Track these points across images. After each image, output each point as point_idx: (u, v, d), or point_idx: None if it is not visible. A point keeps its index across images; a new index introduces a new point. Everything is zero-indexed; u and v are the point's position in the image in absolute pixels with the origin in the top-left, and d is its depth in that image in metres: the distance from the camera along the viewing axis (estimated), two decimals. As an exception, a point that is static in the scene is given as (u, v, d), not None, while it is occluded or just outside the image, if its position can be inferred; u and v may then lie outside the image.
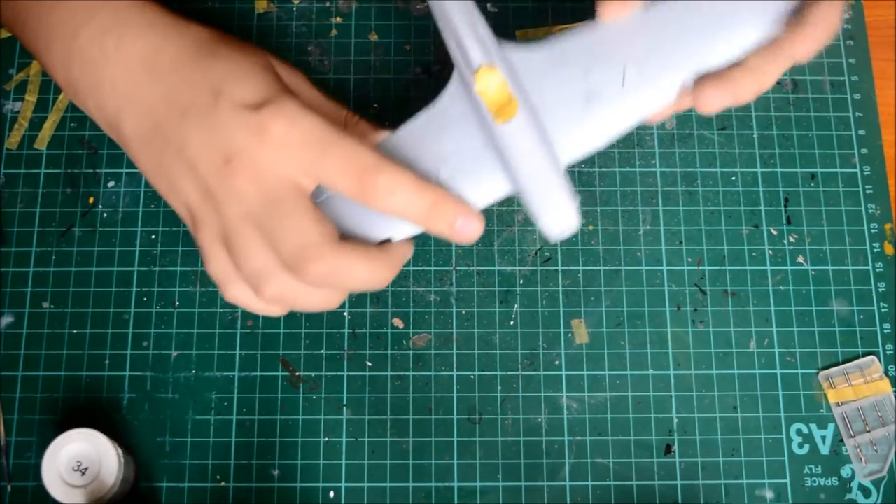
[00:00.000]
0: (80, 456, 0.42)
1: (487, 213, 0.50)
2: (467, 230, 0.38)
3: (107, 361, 0.47)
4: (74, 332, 0.48)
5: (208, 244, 0.39)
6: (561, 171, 0.38)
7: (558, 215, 0.38)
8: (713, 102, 0.38)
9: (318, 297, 0.39)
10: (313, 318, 0.48)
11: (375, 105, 0.52)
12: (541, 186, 0.38)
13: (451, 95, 0.40)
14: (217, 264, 0.39)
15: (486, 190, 0.39)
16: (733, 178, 0.51)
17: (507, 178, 0.39)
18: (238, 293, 0.39)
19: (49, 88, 0.52)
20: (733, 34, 0.38)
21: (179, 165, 0.38)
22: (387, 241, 0.39)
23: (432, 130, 0.40)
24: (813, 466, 0.46)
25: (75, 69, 0.40)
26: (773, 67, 0.39)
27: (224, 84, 0.38)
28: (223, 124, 0.37)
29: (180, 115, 0.38)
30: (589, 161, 0.51)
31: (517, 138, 0.38)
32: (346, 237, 0.38)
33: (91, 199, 0.50)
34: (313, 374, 0.47)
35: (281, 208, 0.37)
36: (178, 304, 0.48)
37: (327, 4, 0.54)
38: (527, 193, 0.38)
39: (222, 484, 0.46)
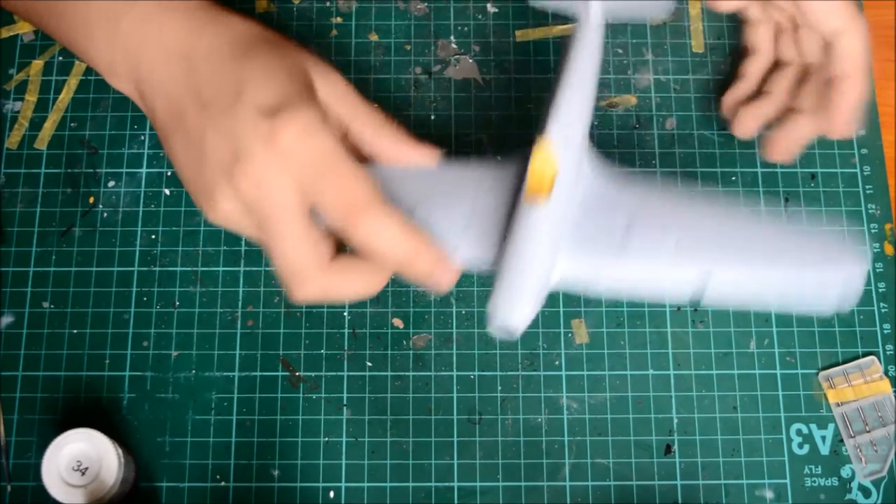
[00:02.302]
0: (80, 456, 0.42)
1: (487, 213, 0.50)
2: (441, 282, 0.39)
3: (107, 361, 0.47)
4: (74, 332, 0.48)
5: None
6: (545, 279, 0.39)
7: (512, 308, 0.38)
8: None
9: (354, 288, 0.40)
10: (313, 318, 0.48)
11: (376, 105, 0.52)
12: (516, 277, 0.38)
13: (508, 165, 0.42)
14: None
15: (476, 255, 0.40)
16: (733, 178, 0.51)
17: (494, 256, 0.39)
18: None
19: (49, 88, 0.52)
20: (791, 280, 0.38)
21: (198, 158, 0.39)
22: None
23: (471, 181, 0.41)
24: (813, 466, 0.46)
25: (118, 54, 0.41)
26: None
27: (247, 85, 0.38)
28: (237, 124, 0.38)
29: (201, 109, 0.39)
30: (589, 161, 0.51)
31: (532, 223, 0.39)
32: (340, 255, 0.40)
33: (91, 199, 0.50)
34: (313, 374, 0.47)
35: (275, 222, 0.38)
36: (178, 304, 0.48)
37: (327, 4, 0.54)
38: (502, 270, 0.39)
39: (222, 484, 0.46)
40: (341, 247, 0.40)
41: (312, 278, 0.38)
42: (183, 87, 0.40)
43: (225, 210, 0.39)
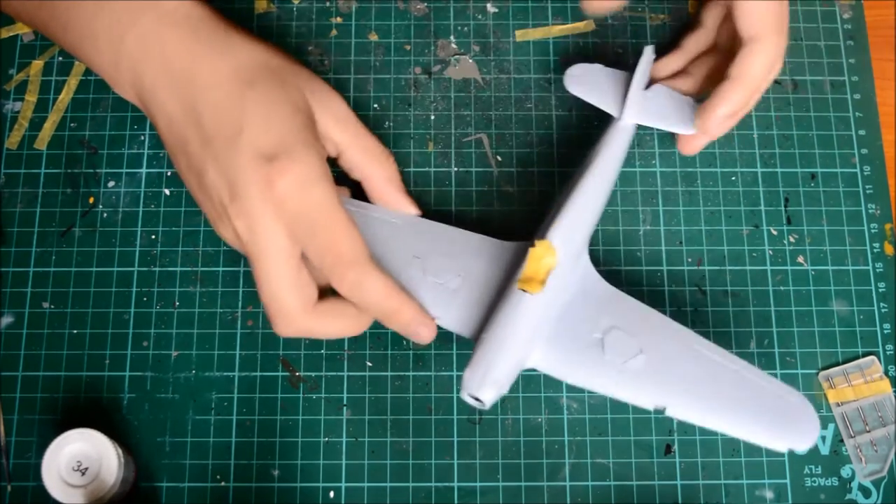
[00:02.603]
0: (80, 456, 0.42)
1: (489, 212, 0.50)
2: (420, 337, 0.42)
3: (107, 361, 0.47)
4: (74, 332, 0.48)
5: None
6: (521, 362, 0.41)
7: (482, 385, 0.40)
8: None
9: (336, 330, 0.42)
10: (313, 318, 0.48)
11: (375, 105, 0.52)
12: (493, 356, 0.40)
13: (509, 245, 0.44)
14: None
15: (460, 321, 0.42)
16: (733, 178, 0.51)
17: (476, 327, 0.42)
18: None
19: (49, 88, 0.52)
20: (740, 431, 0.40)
21: (199, 184, 0.40)
22: None
23: (470, 249, 0.44)
24: (813, 466, 0.46)
25: (122, 66, 0.41)
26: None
27: (249, 122, 0.39)
28: (236, 165, 0.38)
29: (203, 142, 0.39)
30: (589, 161, 0.51)
31: (519, 310, 0.40)
32: (325, 298, 0.41)
33: (91, 199, 0.50)
34: (313, 374, 0.47)
35: (264, 265, 0.39)
36: (178, 304, 0.48)
37: (327, 4, 0.54)
38: (480, 347, 0.40)
39: (222, 484, 0.46)
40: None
41: (296, 320, 0.40)
42: (184, 113, 0.40)
43: (224, 235, 0.41)
